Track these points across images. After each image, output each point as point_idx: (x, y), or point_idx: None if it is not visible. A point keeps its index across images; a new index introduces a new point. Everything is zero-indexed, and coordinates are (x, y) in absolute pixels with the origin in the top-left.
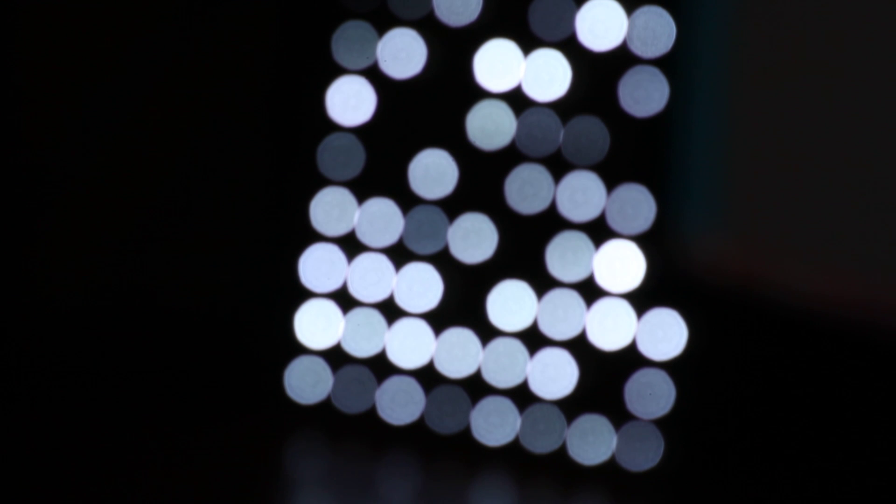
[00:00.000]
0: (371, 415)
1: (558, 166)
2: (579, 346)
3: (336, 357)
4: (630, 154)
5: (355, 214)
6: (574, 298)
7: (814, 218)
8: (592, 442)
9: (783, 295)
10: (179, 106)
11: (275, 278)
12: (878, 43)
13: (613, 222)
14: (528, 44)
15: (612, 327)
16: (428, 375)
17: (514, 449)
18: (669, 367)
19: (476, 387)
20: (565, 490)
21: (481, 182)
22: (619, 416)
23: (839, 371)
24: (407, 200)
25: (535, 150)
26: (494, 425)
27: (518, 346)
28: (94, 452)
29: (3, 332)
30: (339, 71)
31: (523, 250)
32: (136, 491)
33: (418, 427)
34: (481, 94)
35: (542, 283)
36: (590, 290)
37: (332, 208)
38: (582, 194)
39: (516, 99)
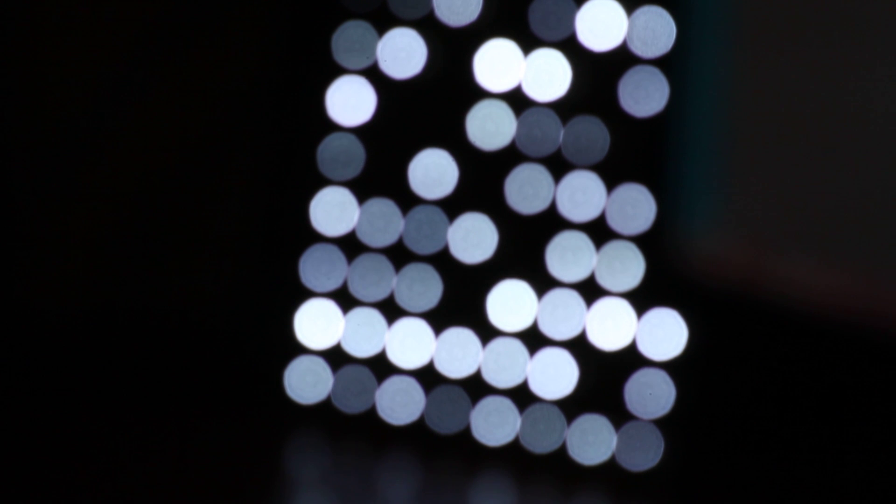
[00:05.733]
0: (371, 415)
1: (558, 166)
2: (579, 346)
3: (336, 357)
4: (630, 154)
5: (355, 214)
6: (574, 298)
7: (814, 217)
8: (592, 442)
9: (783, 295)
10: (178, 106)
11: (275, 278)
12: (879, 41)
13: (613, 222)
14: (528, 44)
15: (612, 327)
16: (428, 375)
17: (514, 449)
18: (669, 367)
19: (476, 387)
20: (565, 490)
21: (481, 182)
22: (619, 416)
23: (839, 370)
24: (407, 200)
25: (535, 150)
26: (494, 425)
27: (518, 346)
28: (93, 453)
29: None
30: (339, 71)
31: (523, 250)
32: (134, 491)
33: (418, 427)
34: (481, 94)
35: (542, 283)
36: (590, 290)
37: (332, 208)
38: (582, 194)
39: (516, 99)
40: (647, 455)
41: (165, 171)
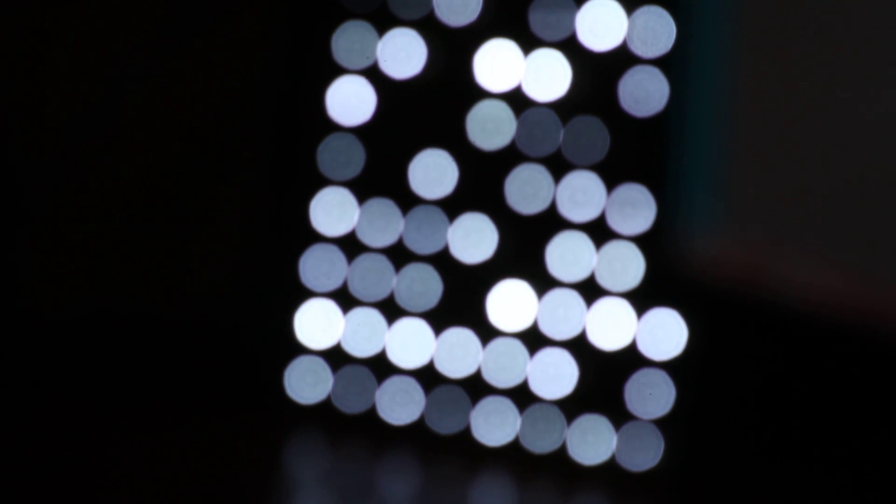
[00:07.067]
0: (371, 415)
1: (558, 166)
2: (579, 346)
3: (336, 357)
4: (630, 154)
5: (355, 214)
6: (574, 298)
7: (814, 218)
8: (592, 442)
9: (783, 295)
10: (178, 106)
11: (275, 278)
12: (879, 41)
13: (613, 222)
14: (528, 44)
15: (612, 327)
16: (428, 375)
17: (514, 449)
18: (669, 367)
19: (476, 387)
20: (565, 490)
21: (481, 182)
22: (619, 416)
23: (839, 371)
24: (407, 200)
25: (535, 150)
26: (494, 425)
27: (518, 346)
28: (94, 453)
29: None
30: (339, 71)
31: (523, 250)
32: (135, 491)
33: (418, 427)
34: (481, 94)
35: (542, 283)
36: (590, 290)
37: (332, 208)
38: (582, 194)
39: (516, 99)
40: (647, 455)
41: (166, 172)
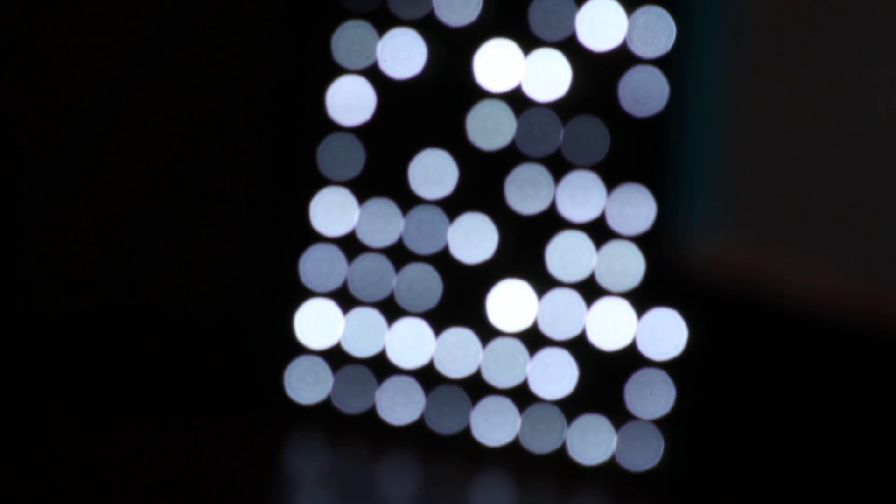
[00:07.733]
0: (371, 415)
1: (558, 166)
2: (579, 346)
3: (336, 357)
4: (630, 154)
5: (355, 214)
6: (574, 298)
7: (814, 217)
8: (592, 442)
9: (783, 295)
10: (178, 106)
11: (275, 278)
12: (879, 40)
13: (613, 222)
14: (528, 44)
15: (612, 327)
16: (428, 375)
17: (514, 449)
18: (669, 367)
19: (476, 387)
20: (565, 490)
21: (481, 182)
22: (619, 416)
23: (839, 370)
24: (407, 200)
25: (535, 150)
26: (494, 425)
27: (518, 346)
28: (94, 452)
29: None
30: (339, 71)
31: (523, 250)
32: (135, 491)
33: (418, 427)
34: (481, 94)
35: (542, 283)
36: (590, 290)
37: (332, 208)
38: (582, 194)
39: (516, 99)
40: (647, 455)
41: (166, 172)
